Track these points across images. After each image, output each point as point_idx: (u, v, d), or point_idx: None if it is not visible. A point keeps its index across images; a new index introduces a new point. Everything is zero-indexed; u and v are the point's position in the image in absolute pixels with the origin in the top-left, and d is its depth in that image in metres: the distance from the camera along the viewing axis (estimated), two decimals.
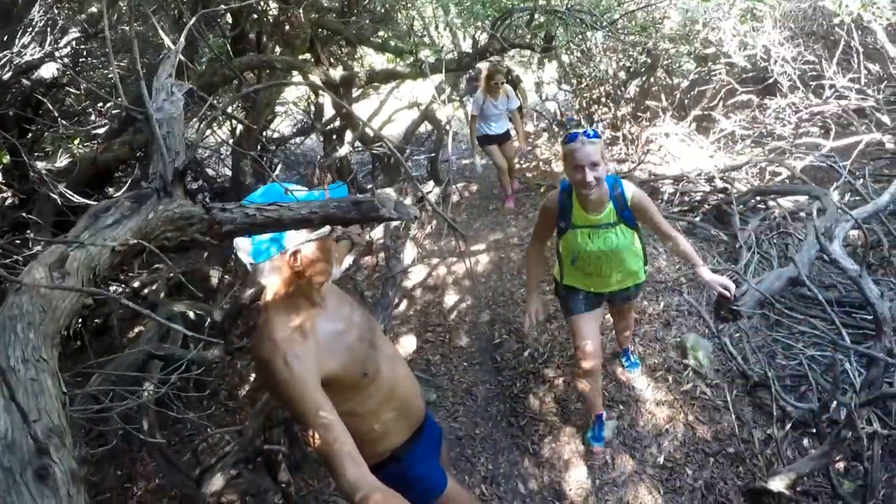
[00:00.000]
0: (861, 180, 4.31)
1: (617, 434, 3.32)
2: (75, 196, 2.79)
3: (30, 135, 4.31)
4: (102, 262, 1.07)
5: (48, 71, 4.14)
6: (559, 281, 3.06)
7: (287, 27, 4.38)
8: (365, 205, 1.14)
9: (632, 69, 7.65)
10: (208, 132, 6.66)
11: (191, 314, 4.04)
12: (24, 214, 3.39)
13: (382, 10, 5.80)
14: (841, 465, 2.83)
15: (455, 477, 2.85)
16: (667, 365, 3.66)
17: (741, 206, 5.01)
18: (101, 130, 4.43)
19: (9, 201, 3.84)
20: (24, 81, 3.95)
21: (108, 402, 2.38)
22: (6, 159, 3.62)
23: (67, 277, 1.03)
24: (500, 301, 4.83)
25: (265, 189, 1.66)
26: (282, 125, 8.97)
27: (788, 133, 6.30)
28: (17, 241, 3.86)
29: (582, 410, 3.48)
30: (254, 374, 4.40)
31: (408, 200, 5.13)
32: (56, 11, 4.12)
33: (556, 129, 8.86)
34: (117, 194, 3.19)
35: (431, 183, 6.23)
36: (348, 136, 6.49)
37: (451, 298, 5.08)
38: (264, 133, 6.38)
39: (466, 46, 6.81)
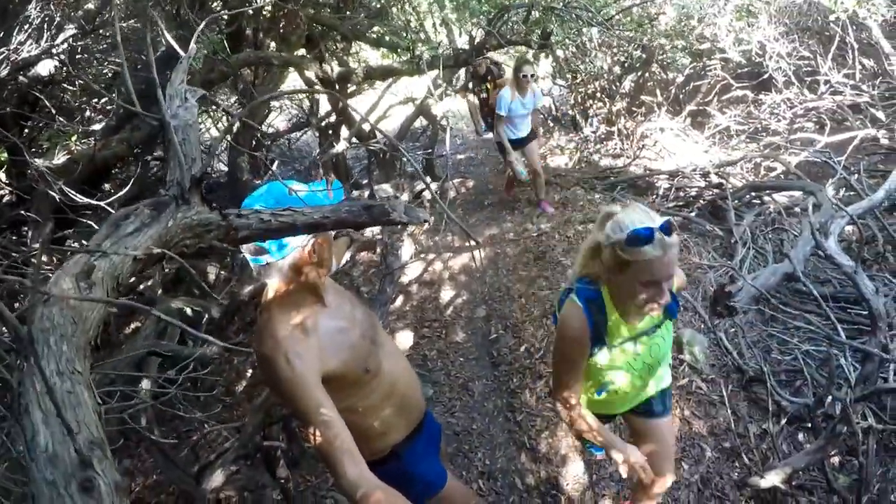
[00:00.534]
0: (856, 176, 4.34)
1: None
2: (77, 195, 2.78)
3: (26, 131, 4.29)
4: (125, 270, 1.08)
5: (45, 68, 4.11)
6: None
7: (283, 24, 4.37)
8: (376, 209, 1.15)
9: (627, 64, 7.65)
10: (207, 129, 6.66)
11: (188, 310, 4.05)
12: (22, 212, 3.38)
13: (378, 6, 5.79)
14: (836, 460, 2.85)
15: (455, 473, 2.87)
16: None
17: (736, 202, 5.03)
18: (97, 127, 4.41)
19: (6, 199, 3.83)
20: (21, 78, 3.93)
21: (111, 399, 2.38)
22: (4, 156, 3.61)
23: (94, 288, 1.03)
24: (496, 297, 4.84)
25: (268, 187, 1.66)
26: (276, 120, 8.95)
27: (783, 128, 6.33)
28: (14, 239, 3.88)
29: None
30: (250, 371, 4.41)
31: (404, 197, 5.14)
32: (53, 8, 4.09)
33: (552, 125, 8.87)
34: (120, 193, 3.19)
35: (428, 179, 6.23)
36: (344, 132, 6.49)
37: (447, 294, 5.09)
38: (259, 128, 6.37)
39: (462, 42, 6.81)
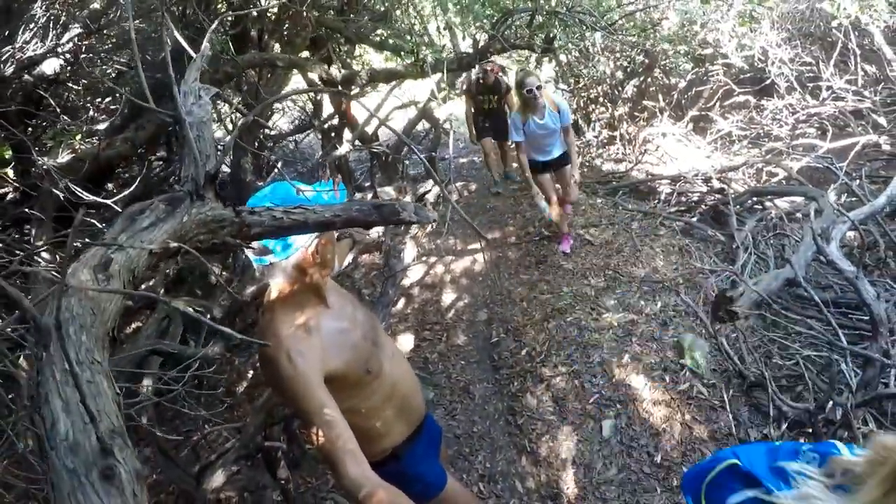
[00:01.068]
0: (857, 181, 4.35)
1: (614, 433, 3.34)
2: (84, 193, 2.79)
3: (30, 130, 4.30)
4: (141, 264, 1.09)
5: (50, 67, 4.13)
6: None
7: (287, 25, 4.38)
8: (386, 208, 1.17)
9: (629, 69, 7.67)
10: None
11: (190, 310, 4.05)
12: (26, 210, 3.39)
13: (382, 9, 5.80)
14: None
15: (455, 476, 2.87)
16: (664, 365, 3.67)
17: (738, 207, 5.04)
18: (101, 126, 4.42)
19: (10, 196, 3.84)
20: (27, 77, 3.95)
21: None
22: (8, 154, 3.62)
23: (111, 280, 1.05)
24: (497, 300, 4.85)
25: (273, 187, 1.67)
26: (279, 122, 8.98)
27: (785, 134, 6.34)
28: (16, 236, 3.88)
29: (579, 409, 3.51)
30: (251, 371, 4.41)
31: (407, 199, 5.15)
32: (58, 7, 4.11)
33: None
34: (124, 192, 3.20)
35: (431, 182, 6.25)
36: (347, 134, 6.51)
37: (448, 297, 5.10)
38: (262, 130, 6.39)
39: (465, 46, 6.82)
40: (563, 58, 7.85)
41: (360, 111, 7.22)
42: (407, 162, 7.76)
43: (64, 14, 4.31)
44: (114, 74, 4.97)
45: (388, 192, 5.40)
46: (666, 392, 3.49)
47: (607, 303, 4.29)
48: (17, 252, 3.07)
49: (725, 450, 1.55)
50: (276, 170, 6.34)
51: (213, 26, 1.57)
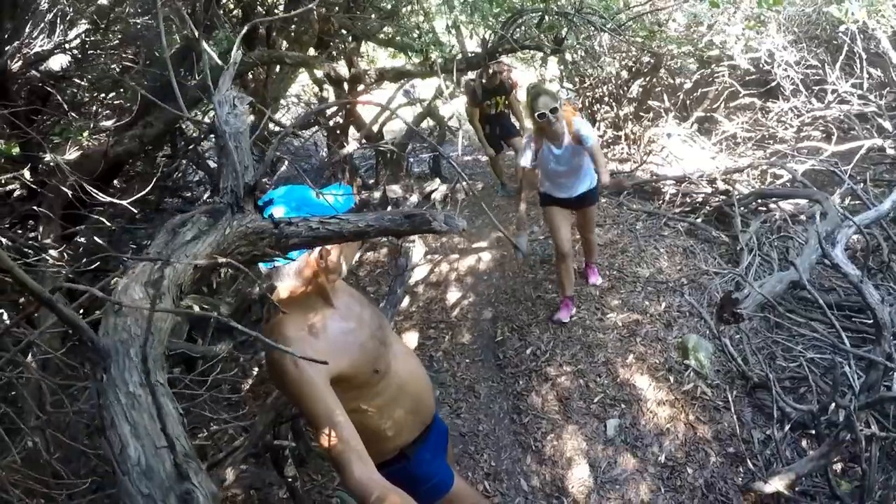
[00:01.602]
0: (861, 185, 4.36)
1: (619, 432, 3.37)
2: (96, 192, 2.81)
3: (35, 125, 4.31)
4: (187, 278, 1.10)
5: (57, 63, 4.15)
6: None
7: (295, 23, 4.39)
8: (417, 218, 1.18)
9: (634, 69, 7.66)
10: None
11: (196, 308, 4.07)
12: (34, 207, 3.40)
13: (389, 7, 5.81)
14: (839, 467, 2.88)
15: (460, 474, 2.89)
16: (668, 365, 3.70)
17: (742, 209, 5.05)
18: (108, 123, 4.43)
19: (17, 192, 3.85)
20: (34, 73, 3.96)
21: None
22: (15, 150, 3.63)
23: (163, 297, 1.04)
24: (502, 299, 4.87)
25: (287, 190, 1.68)
26: (284, 118, 8.97)
27: (790, 136, 6.35)
28: (21, 232, 3.89)
29: (584, 409, 3.54)
30: (256, 368, 4.43)
31: (414, 198, 5.16)
32: (65, 3, 4.11)
33: None
34: (136, 196, 3.21)
35: (437, 181, 6.26)
36: (352, 132, 6.52)
37: (453, 295, 5.12)
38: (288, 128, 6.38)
39: (471, 45, 6.81)
40: (568, 57, 7.86)
41: (366, 109, 7.24)
42: (411, 160, 7.76)
43: (71, 9, 4.32)
44: (118, 70, 4.98)
45: (395, 190, 5.41)
46: (670, 392, 3.52)
47: (612, 303, 4.32)
48: (26, 250, 3.10)
49: None
50: (283, 167, 6.35)
51: (243, 32, 1.58)
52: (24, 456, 2.01)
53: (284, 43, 5.03)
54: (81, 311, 2.92)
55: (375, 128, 6.82)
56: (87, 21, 4.48)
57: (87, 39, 4.55)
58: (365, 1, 5.46)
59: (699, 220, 5.22)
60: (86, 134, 4.07)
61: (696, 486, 2.98)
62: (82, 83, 4.44)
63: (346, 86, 5.68)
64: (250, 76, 5.10)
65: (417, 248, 4.55)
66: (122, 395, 0.92)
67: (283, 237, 1.20)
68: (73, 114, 4.15)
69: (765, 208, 5.20)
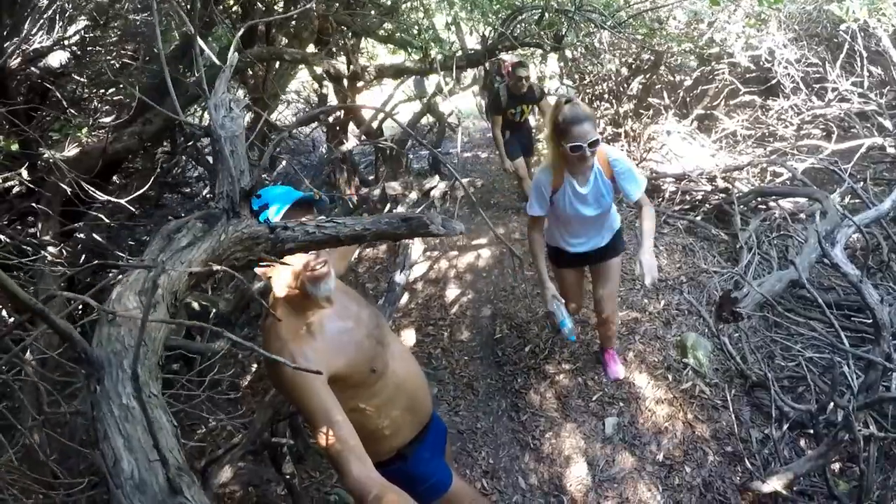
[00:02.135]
0: (861, 184, 4.35)
1: (617, 431, 3.37)
2: (90, 188, 2.80)
3: (34, 122, 4.30)
4: (182, 285, 1.09)
5: (56, 59, 4.13)
6: None
7: (295, 20, 4.37)
8: (415, 221, 1.18)
9: (634, 66, 7.64)
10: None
11: (195, 305, 4.08)
12: (33, 204, 3.40)
13: (388, 3, 5.79)
14: (837, 466, 2.88)
15: (458, 472, 2.89)
16: (666, 363, 3.70)
17: (742, 207, 5.04)
18: (106, 120, 4.42)
19: (16, 189, 3.84)
20: (33, 69, 3.95)
21: None
22: (14, 147, 3.62)
23: (158, 306, 1.03)
24: (501, 296, 4.87)
25: (285, 191, 1.67)
26: (284, 114, 8.96)
27: (790, 135, 6.33)
28: (20, 228, 3.88)
29: (582, 407, 3.54)
30: (255, 365, 4.43)
31: (413, 195, 5.15)
32: None
33: None
34: (136, 193, 3.21)
35: (437, 177, 6.25)
36: (352, 128, 6.50)
37: (452, 292, 5.11)
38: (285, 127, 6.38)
39: (471, 42, 6.79)
40: (568, 54, 7.84)
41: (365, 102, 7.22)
42: (411, 156, 7.75)
43: (70, 6, 4.31)
44: (117, 66, 4.96)
45: (395, 186, 5.40)
46: (668, 390, 3.52)
47: None
48: (25, 247, 3.09)
49: None
50: (281, 164, 6.35)
51: (240, 33, 1.57)
52: (21, 455, 2.01)
53: (284, 39, 5.01)
54: (80, 310, 2.93)
55: (375, 124, 6.80)
56: (87, 17, 4.47)
57: (87, 36, 4.53)
58: None
59: (698, 218, 5.22)
60: (85, 130, 4.06)
61: (693, 485, 2.99)
62: (81, 80, 4.43)
63: (345, 82, 5.66)
64: (250, 73, 5.08)
65: (416, 245, 4.54)
66: (115, 408, 0.91)
67: (279, 242, 1.19)
68: (72, 110, 4.13)
69: (764, 207, 5.19)
